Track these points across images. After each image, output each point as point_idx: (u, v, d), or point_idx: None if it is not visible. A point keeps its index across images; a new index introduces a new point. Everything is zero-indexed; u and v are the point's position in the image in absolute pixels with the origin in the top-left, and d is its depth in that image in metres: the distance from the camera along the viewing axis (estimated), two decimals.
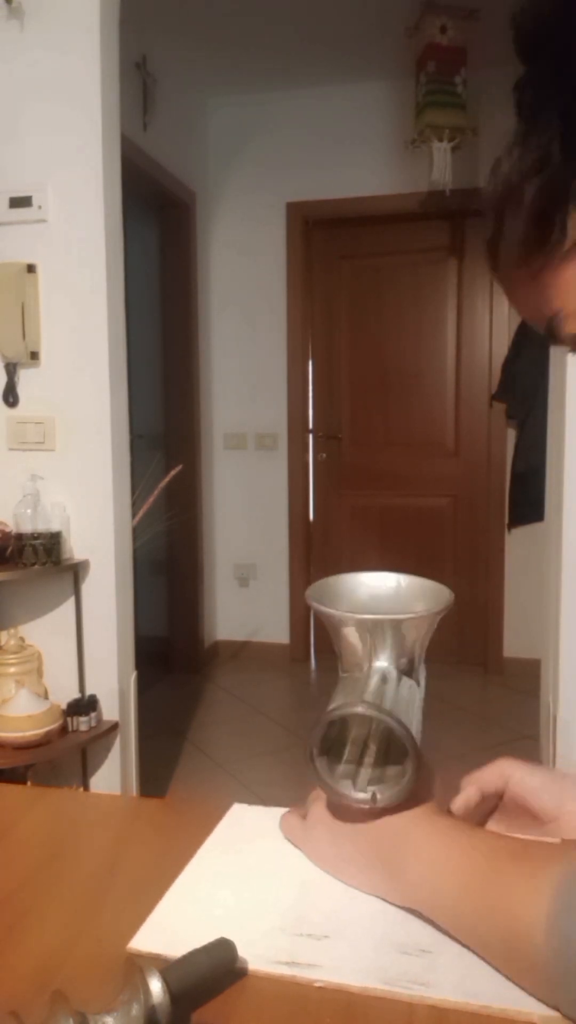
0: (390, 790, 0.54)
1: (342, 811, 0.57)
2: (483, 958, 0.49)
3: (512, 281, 0.45)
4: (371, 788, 0.55)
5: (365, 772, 0.56)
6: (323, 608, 0.58)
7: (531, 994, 0.46)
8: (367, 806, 0.55)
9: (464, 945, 0.50)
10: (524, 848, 0.49)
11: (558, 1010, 0.44)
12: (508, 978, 0.47)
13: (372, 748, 0.58)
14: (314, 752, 0.55)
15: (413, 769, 0.53)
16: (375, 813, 0.55)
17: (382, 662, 0.57)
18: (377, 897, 0.56)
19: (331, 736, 0.57)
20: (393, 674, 0.57)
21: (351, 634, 0.58)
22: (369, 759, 0.57)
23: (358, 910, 0.56)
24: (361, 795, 0.55)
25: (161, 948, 0.52)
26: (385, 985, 0.48)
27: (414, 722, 0.55)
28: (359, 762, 0.57)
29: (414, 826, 0.53)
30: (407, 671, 0.59)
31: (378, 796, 0.54)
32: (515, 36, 0.40)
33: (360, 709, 0.54)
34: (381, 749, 0.58)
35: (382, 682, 0.56)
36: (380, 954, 0.51)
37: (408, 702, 0.56)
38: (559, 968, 0.42)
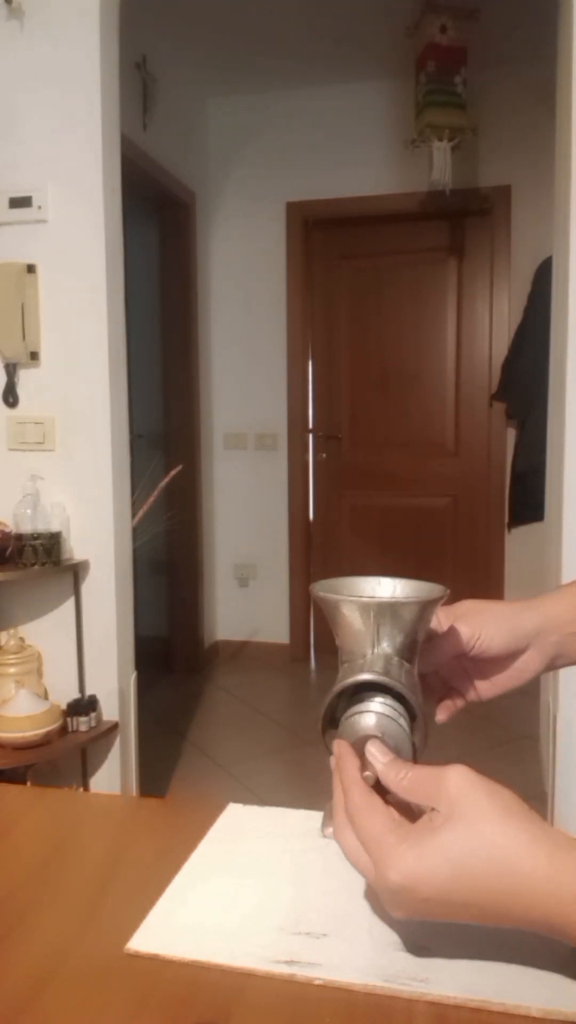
0: None
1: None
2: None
3: None
4: None
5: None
6: (328, 595, 0.59)
7: None
8: (371, 782, 0.56)
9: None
10: None
11: None
12: None
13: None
14: (324, 727, 0.57)
15: (421, 736, 0.54)
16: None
17: (384, 648, 0.59)
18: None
19: (338, 718, 0.58)
20: (395, 658, 0.58)
21: (354, 621, 0.59)
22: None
23: (356, 908, 0.56)
24: (367, 773, 0.57)
25: (159, 949, 0.52)
26: (385, 982, 0.48)
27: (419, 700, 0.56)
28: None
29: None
30: (408, 660, 0.60)
31: None
32: None
33: (367, 676, 0.55)
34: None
35: (386, 661, 0.58)
36: (379, 952, 0.51)
37: (412, 682, 0.57)
38: None
